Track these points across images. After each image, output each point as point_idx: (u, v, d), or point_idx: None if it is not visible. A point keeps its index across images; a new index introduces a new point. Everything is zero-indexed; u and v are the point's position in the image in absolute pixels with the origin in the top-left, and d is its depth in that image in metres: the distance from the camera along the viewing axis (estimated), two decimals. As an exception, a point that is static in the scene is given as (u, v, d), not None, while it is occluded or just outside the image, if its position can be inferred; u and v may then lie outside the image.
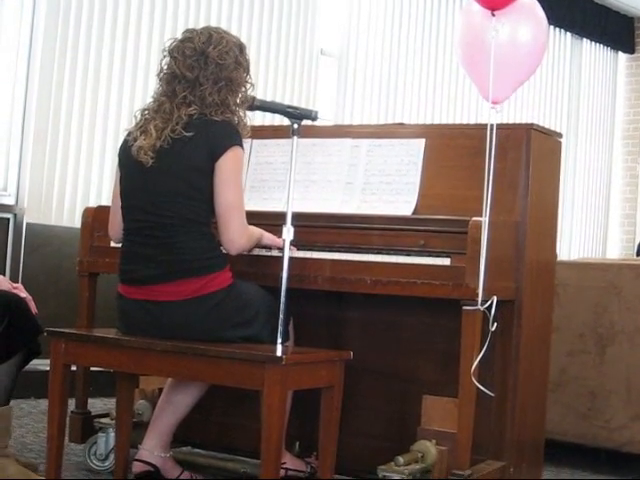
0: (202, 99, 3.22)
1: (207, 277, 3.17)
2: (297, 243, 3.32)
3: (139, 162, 3.23)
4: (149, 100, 3.36)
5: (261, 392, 2.93)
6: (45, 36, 5.57)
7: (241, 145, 3.24)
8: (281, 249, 3.26)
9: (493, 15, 3.25)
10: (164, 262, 3.17)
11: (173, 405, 3.40)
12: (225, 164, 3.18)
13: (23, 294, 3.47)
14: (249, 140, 3.58)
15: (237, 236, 3.23)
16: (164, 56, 3.31)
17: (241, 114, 3.30)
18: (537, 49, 3.40)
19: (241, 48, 3.33)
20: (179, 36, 3.33)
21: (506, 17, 3.27)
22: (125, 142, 3.34)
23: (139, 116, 3.33)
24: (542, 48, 3.43)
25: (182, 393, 3.40)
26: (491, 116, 3.34)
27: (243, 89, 3.31)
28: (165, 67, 3.30)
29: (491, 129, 3.29)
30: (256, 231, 3.33)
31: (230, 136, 3.22)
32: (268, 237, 3.37)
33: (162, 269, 3.17)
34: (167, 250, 3.18)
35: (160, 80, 3.32)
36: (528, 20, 3.37)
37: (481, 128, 3.39)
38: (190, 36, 3.29)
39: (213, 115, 3.22)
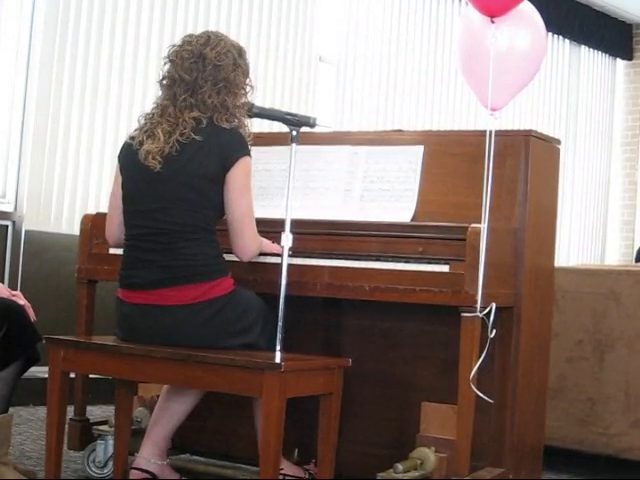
0: (203, 102, 3.22)
1: (211, 283, 3.17)
2: (296, 250, 3.32)
3: (146, 167, 3.22)
4: (151, 106, 3.35)
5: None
6: (44, 42, 5.57)
7: (250, 154, 3.26)
8: (279, 256, 3.27)
9: (492, 22, 3.25)
10: (168, 267, 3.17)
11: (169, 413, 3.39)
12: (238, 174, 3.20)
13: (22, 301, 3.47)
14: (247, 147, 3.59)
15: (250, 244, 3.26)
16: (164, 63, 3.32)
17: (243, 119, 3.30)
18: (536, 56, 3.41)
19: (240, 51, 3.33)
20: (178, 42, 3.34)
21: (505, 24, 3.28)
22: (128, 146, 3.31)
23: (143, 121, 3.32)
24: (541, 55, 3.44)
25: (178, 401, 3.39)
26: (490, 123, 3.35)
27: (242, 92, 3.31)
28: (165, 73, 3.31)
29: (490, 136, 3.29)
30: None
31: (240, 146, 3.23)
32: (266, 244, 3.38)
33: (166, 274, 3.17)
34: (171, 256, 3.18)
35: (161, 86, 3.32)
36: (527, 27, 3.37)
37: (480, 135, 3.39)
38: (189, 40, 3.31)
39: (220, 121, 3.22)
